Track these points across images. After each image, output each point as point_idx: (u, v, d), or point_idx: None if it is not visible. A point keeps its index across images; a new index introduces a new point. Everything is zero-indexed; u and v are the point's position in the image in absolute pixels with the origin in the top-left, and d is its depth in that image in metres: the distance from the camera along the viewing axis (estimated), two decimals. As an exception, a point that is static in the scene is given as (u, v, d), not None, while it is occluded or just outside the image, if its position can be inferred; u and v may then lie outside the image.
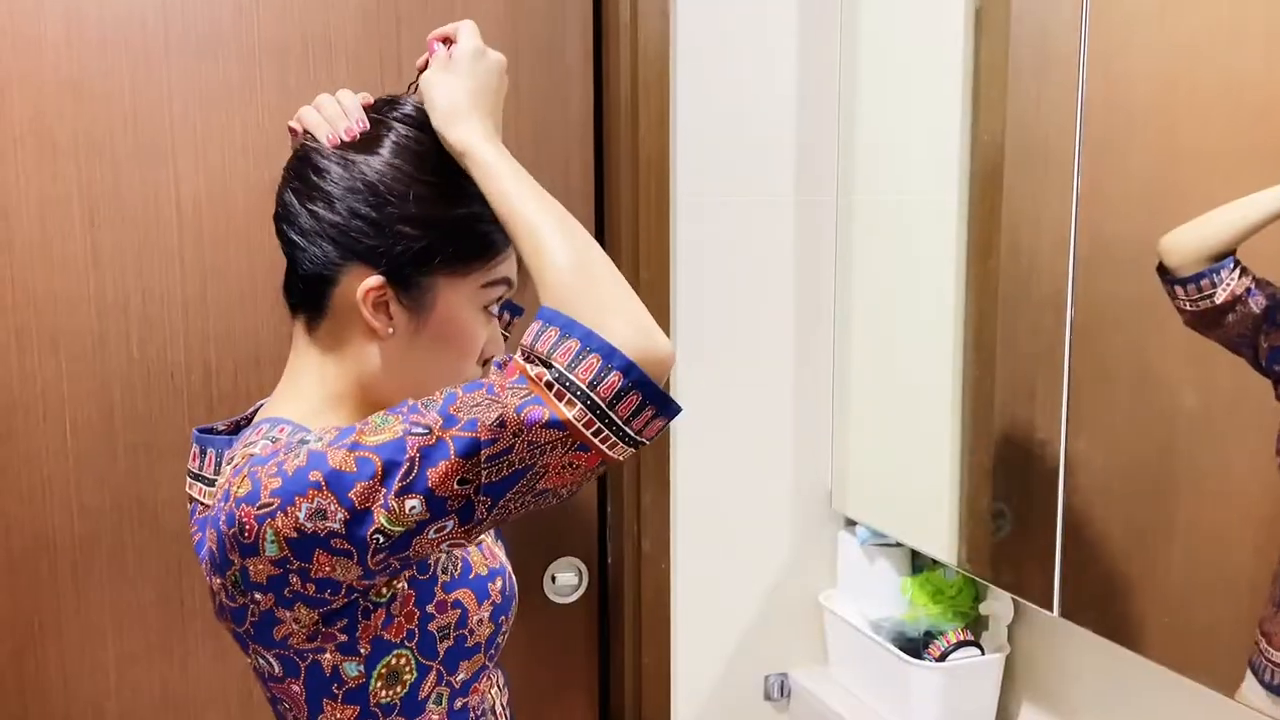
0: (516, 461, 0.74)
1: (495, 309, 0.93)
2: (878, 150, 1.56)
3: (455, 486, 0.75)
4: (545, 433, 0.74)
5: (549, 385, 0.74)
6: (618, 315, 0.76)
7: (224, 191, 1.37)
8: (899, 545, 1.62)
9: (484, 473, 0.74)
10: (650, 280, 1.51)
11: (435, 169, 0.87)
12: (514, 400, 0.74)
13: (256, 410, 0.99)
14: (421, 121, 0.89)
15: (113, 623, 1.38)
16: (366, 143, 0.88)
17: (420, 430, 0.75)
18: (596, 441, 0.75)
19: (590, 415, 0.74)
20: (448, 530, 0.77)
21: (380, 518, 0.75)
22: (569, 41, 1.51)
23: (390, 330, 0.87)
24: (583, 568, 1.62)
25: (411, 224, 0.86)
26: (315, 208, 0.87)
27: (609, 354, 0.74)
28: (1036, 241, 1.31)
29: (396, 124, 0.89)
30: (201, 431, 0.97)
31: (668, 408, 0.77)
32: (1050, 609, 1.28)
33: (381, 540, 0.76)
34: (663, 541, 1.58)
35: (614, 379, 0.74)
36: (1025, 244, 1.34)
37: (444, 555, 0.90)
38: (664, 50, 1.48)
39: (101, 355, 1.33)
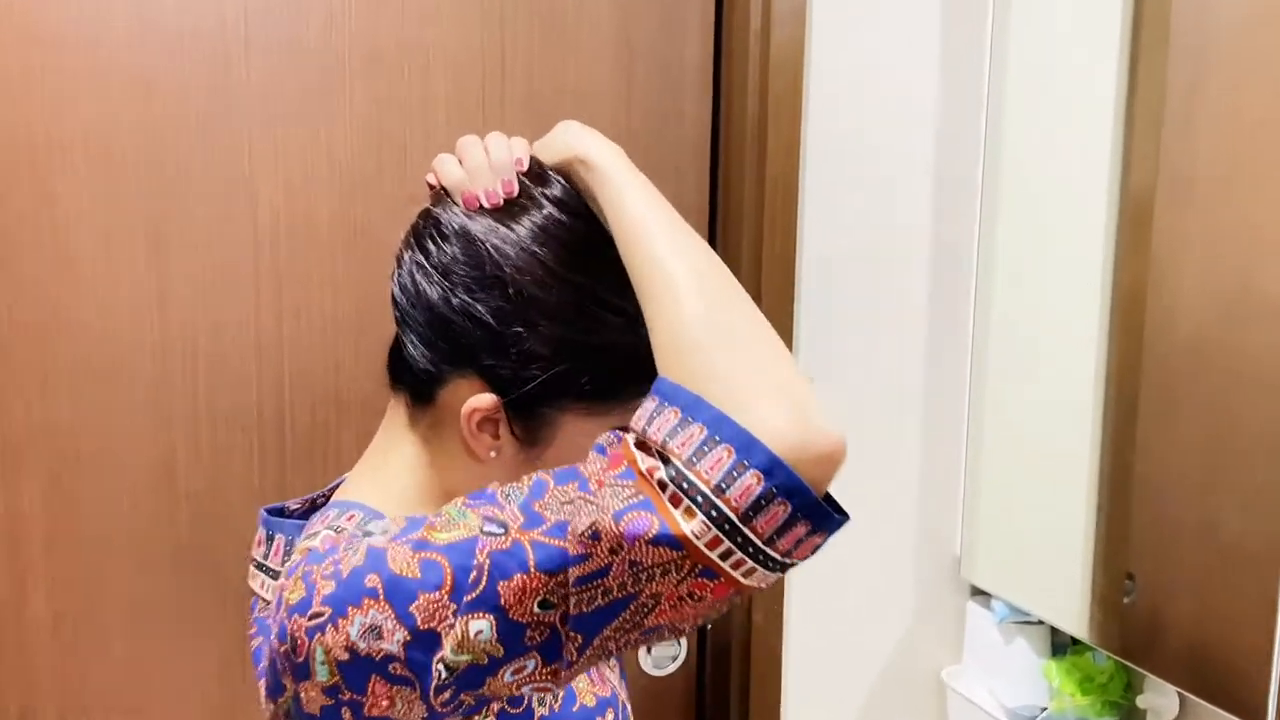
0: (615, 587, 0.57)
1: None
2: (1023, 186, 1.39)
3: (535, 610, 0.58)
4: (654, 551, 0.56)
5: (662, 485, 0.57)
6: (763, 393, 0.58)
7: (307, 216, 1.21)
8: (1040, 623, 1.44)
9: (572, 599, 0.58)
10: (768, 316, 1.34)
11: (584, 268, 0.71)
12: (614, 503, 0.57)
13: (336, 488, 0.84)
14: (577, 207, 0.72)
15: (168, 695, 1.22)
16: (506, 215, 0.72)
17: (495, 529, 0.59)
18: (725, 566, 0.57)
19: (716, 531, 0.56)
20: (528, 671, 0.60)
21: (447, 644, 0.59)
22: (687, 47, 1.35)
23: (492, 455, 0.73)
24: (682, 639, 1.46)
25: (545, 344, 0.70)
26: (431, 291, 0.72)
27: (746, 446, 0.56)
28: (1185, 291, 1.18)
29: (547, 203, 0.72)
30: (270, 513, 0.82)
31: (828, 522, 0.58)
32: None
33: (445, 674, 0.60)
34: (775, 613, 1.42)
35: (751, 482, 0.55)
36: (1174, 294, 1.20)
37: None
38: (797, 61, 1.31)
39: (164, 397, 1.18)
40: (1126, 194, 1.29)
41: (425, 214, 0.76)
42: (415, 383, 0.75)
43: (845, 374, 1.43)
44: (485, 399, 0.70)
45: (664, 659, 1.45)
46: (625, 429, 0.61)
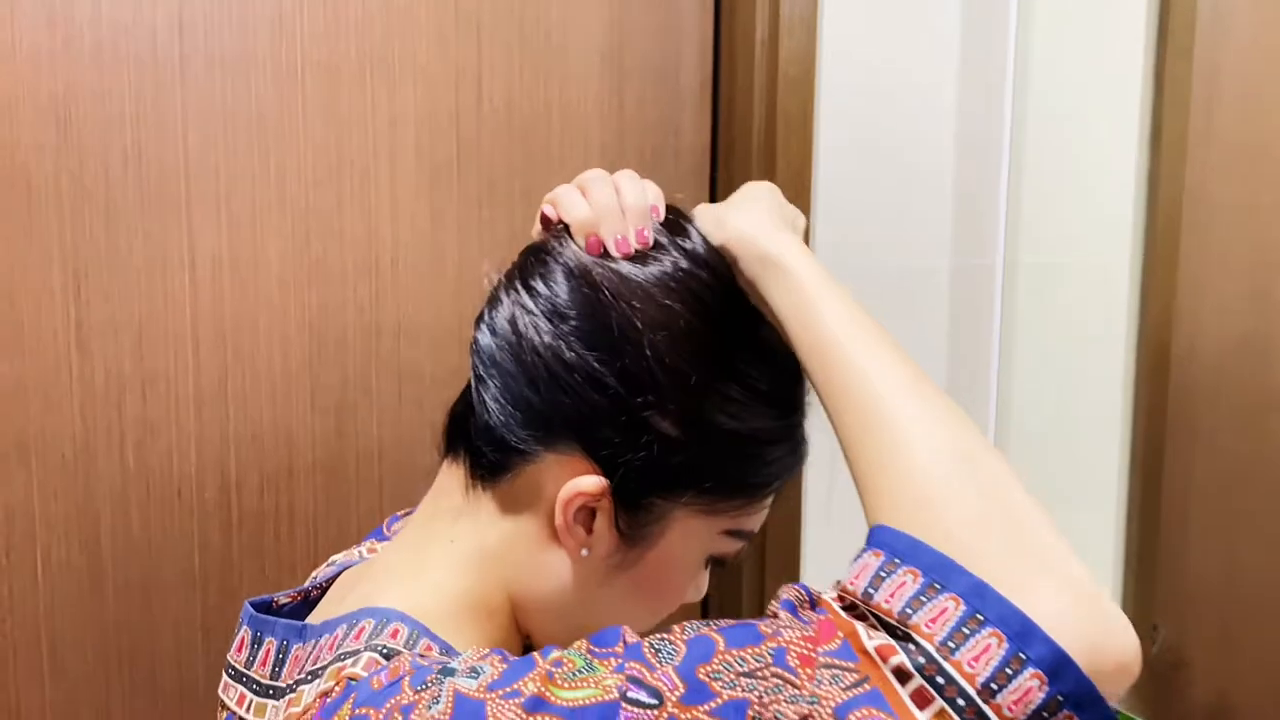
0: None
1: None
2: (1046, 208, 1.29)
3: None
4: None
5: (902, 675, 0.42)
6: (1035, 568, 0.44)
7: (254, 254, 1.04)
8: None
9: None
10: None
11: (724, 335, 0.60)
12: (832, 692, 0.42)
13: (337, 575, 0.68)
14: (717, 267, 0.61)
15: (94, 815, 1.04)
16: (637, 265, 0.61)
17: (643, 697, 0.45)
18: None
19: None
20: None
21: None
22: (684, 60, 1.20)
23: (585, 552, 0.59)
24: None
25: (674, 421, 0.58)
26: (538, 341, 0.59)
27: (1022, 633, 0.42)
28: (1205, 320, 1.12)
29: (684, 258, 0.61)
30: (258, 608, 0.66)
31: None
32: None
33: None
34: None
35: (1031, 684, 0.41)
36: (1195, 324, 1.14)
37: None
38: (809, 77, 1.18)
39: (86, 466, 1.01)
40: (1152, 218, 1.20)
41: (535, 251, 0.63)
42: (489, 451, 0.60)
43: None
44: (591, 482, 0.57)
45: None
46: (837, 590, 0.47)
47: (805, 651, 0.44)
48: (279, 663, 0.62)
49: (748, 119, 1.19)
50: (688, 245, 0.62)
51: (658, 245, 0.61)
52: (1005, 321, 1.34)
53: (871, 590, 0.45)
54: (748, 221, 0.60)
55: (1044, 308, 1.31)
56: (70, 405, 1.00)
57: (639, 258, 0.61)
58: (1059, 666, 0.42)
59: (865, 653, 0.43)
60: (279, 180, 1.05)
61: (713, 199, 1.25)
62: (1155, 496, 1.22)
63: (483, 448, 0.61)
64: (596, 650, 0.48)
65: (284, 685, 0.60)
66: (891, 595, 0.44)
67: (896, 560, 0.45)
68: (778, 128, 1.17)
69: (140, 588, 1.03)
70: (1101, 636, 0.43)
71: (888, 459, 0.49)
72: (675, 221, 0.63)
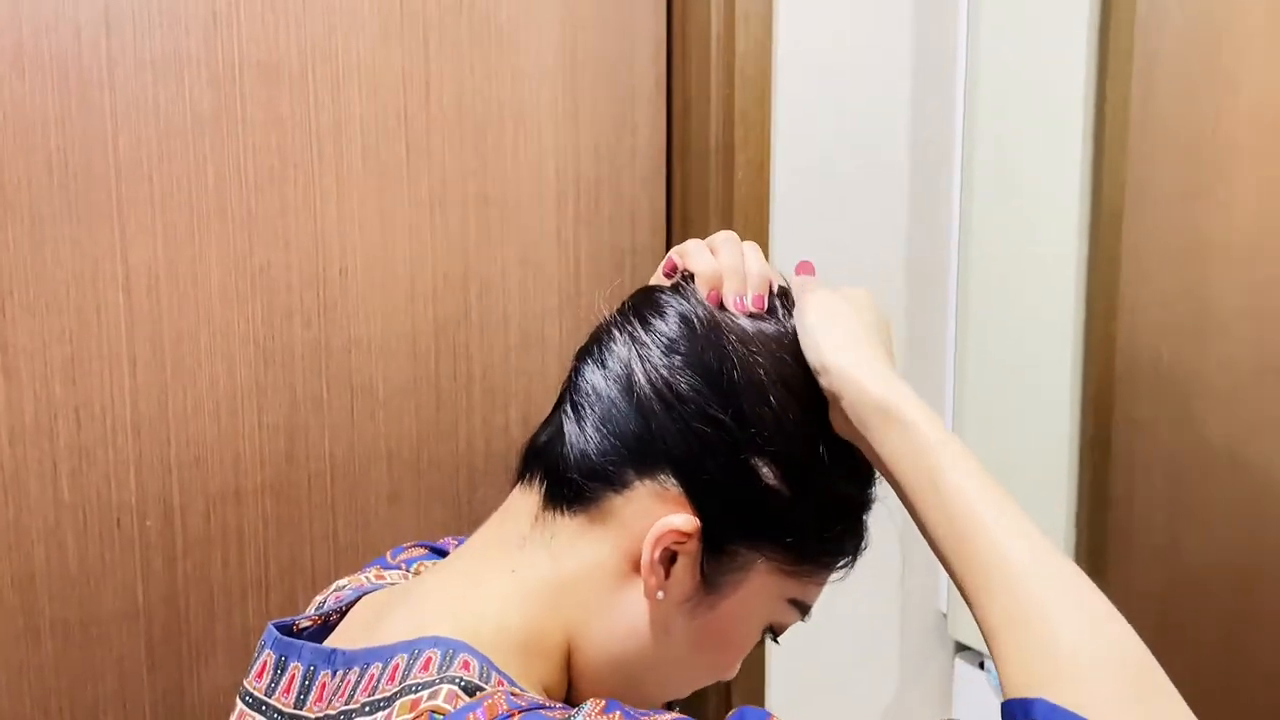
0: None
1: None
2: (999, 204, 1.29)
3: None
4: None
5: None
6: None
7: (193, 266, 0.98)
8: (1038, 681, 1.32)
9: None
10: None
11: (819, 416, 0.61)
12: None
13: (354, 600, 0.66)
14: (795, 348, 0.62)
15: None
16: (756, 323, 0.64)
17: None
18: None
19: None
20: None
21: None
22: (638, 56, 1.17)
23: (660, 595, 0.58)
24: None
25: (775, 469, 0.59)
26: (653, 375, 0.59)
27: None
28: (1146, 307, 1.16)
29: (792, 323, 0.64)
30: (282, 630, 0.63)
31: None
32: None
33: None
34: (757, 697, 1.25)
35: None
36: (1136, 311, 1.18)
37: None
38: (764, 73, 1.15)
39: (17, 498, 0.94)
40: (1096, 210, 1.22)
41: (653, 291, 0.65)
42: (576, 476, 0.60)
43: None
44: (684, 520, 0.57)
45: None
46: None
47: None
48: (304, 690, 0.59)
49: (704, 116, 1.16)
50: (795, 319, 0.64)
51: (771, 309, 0.64)
52: (960, 312, 1.34)
53: None
54: (852, 361, 0.59)
55: (996, 299, 1.32)
56: (-5, 433, 0.93)
57: (755, 318, 0.63)
58: None
59: None
60: (217, 186, 0.99)
61: (669, 197, 1.22)
62: (1103, 480, 1.24)
63: (567, 474, 0.60)
64: None
65: (311, 717, 0.57)
66: None
67: None
68: (735, 124, 1.14)
69: (79, 624, 0.97)
70: None
71: (1034, 646, 0.49)
72: (786, 293, 0.66)
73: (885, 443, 0.58)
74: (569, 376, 0.63)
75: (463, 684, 0.53)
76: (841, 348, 0.60)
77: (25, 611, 0.95)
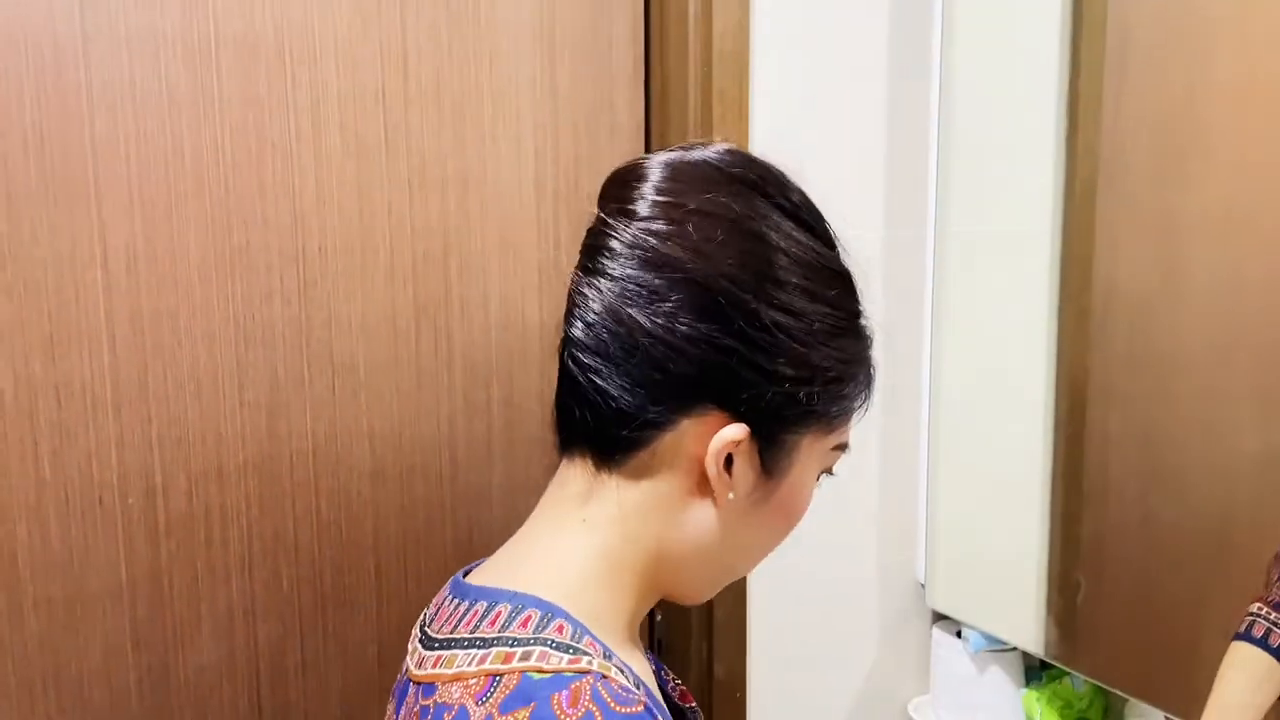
0: None
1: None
2: (975, 184, 1.30)
3: None
4: None
5: None
6: None
7: (171, 245, 0.98)
8: (1013, 650, 1.35)
9: None
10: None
11: (829, 281, 0.65)
12: None
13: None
14: (807, 217, 0.66)
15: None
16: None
17: None
18: None
19: None
20: None
21: None
22: (616, 33, 1.18)
23: (731, 495, 0.64)
24: (631, 696, 1.30)
25: (791, 363, 0.62)
26: (648, 326, 0.61)
27: None
28: (1121, 283, 1.19)
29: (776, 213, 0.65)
30: (464, 575, 0.69)
31: None
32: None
33: None
34: (738, 667, 1.27)
35: None
36: (1111, 288, 1.20)
37: None
38: (743, 51, 1.16)
39: (-3, 478, 0.94)
40: (1070, 187, 1.24)
41: (594, 235, 0.64)
42: (624, 433, 0.63)
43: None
44: (736, 430, 0.62)
45: None
46: None
47: None
48: (436, 613, 0.66)
49: (682, 95, 1.17)
50: (775, 189, 0.65)
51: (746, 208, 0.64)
52: (936, 286, 1.36)
53: None
54: None
55: (972, 274, 1.33)
56: (-25, 413, 0.93)
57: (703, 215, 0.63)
58: None
59: None
60: (195, 164, 0.99)
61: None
62: (1078, 456, 1.26)
63: (612, 433, 0.63)
64: None
65: (434, 635, 0.64)
66: None
67: None
68: (713, 103, 1.15)
69: (63, 603, 0.97)
70: None
71: None
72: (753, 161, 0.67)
73: None
74: (564, 343, 0.65)
75: (554, 644, 0.59)
76: None
77: (8, 589, 0.95)
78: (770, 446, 0.64)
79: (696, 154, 0.65)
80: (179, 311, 0.99)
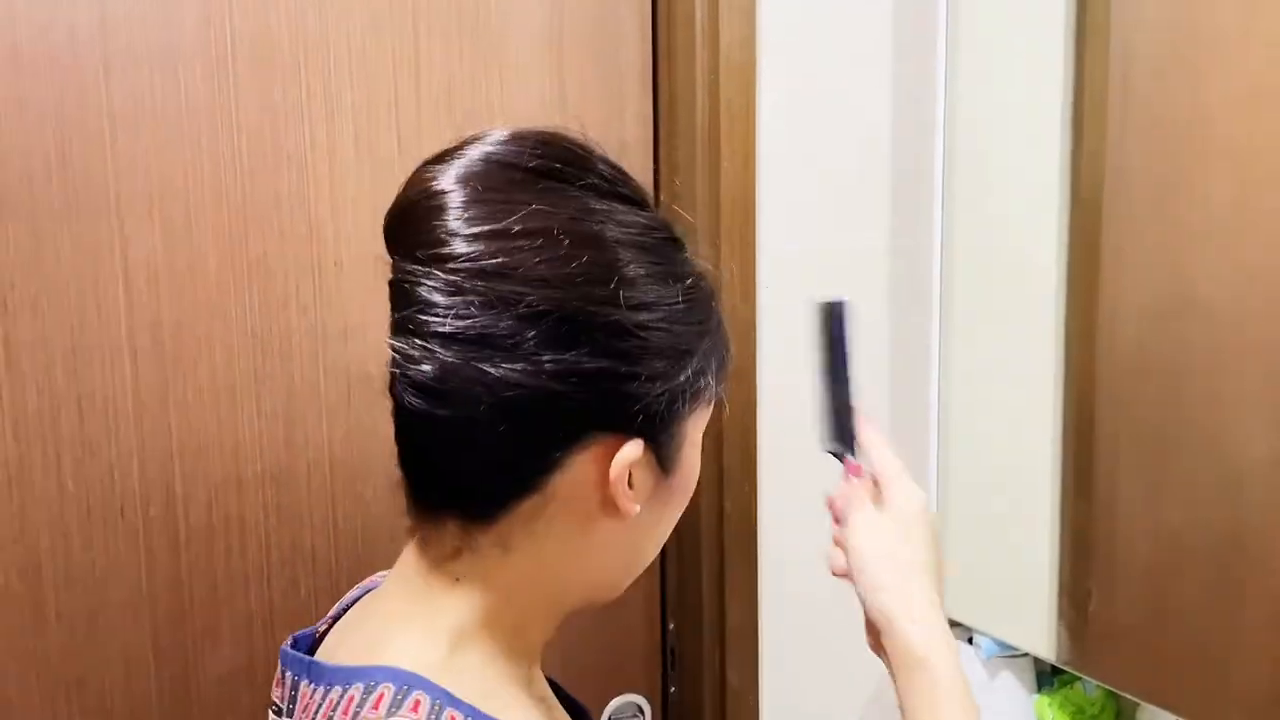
0: None
1: None
2: (982, 195, 1.31)
3: None
4: None
5: None
6: None
7: (190, 254, 1.00)
8: (1024, 655, 1.35)
9: None
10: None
11: (667, 254, 0.60)
12: None
13: (358, 598, 0.68)
14: (622, 188, 0.60)
15: None
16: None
17: None
18: None
19: None
20: None
21: None
22: (624, 44, 1.19)
23: (637, 508, 0.59)
24: (644, 704, 1.31)
25: (672, 355, 0.59)
26: (499, 375, 0.54)
27: None
28: (1127, 297, 1.18)
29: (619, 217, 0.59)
30: (294, 644, 0.65)
31: None
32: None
33: None
34: (750, 672, 1.28)
35: None
36: (1118, 301, 1.20)
37: None
38: (750, 63, 1.17)
39: (21, 490, 0.95)
40: (1077, 196, 1.24)
41: (396, 286, 0.56)
42: (500, 486, 0.58)
43: (807, 407, 1.30)
44: (633, 449, 0.57)
45: (627, 729, 1.30)
46: None
47: None
48: (291, 700, 0.61)
49: (690, 106, 1.18)
50: (592, 179, 0.60)
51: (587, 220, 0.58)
52: (944, 297, 1.36)
53: None
54: (900, 611, 0.70)
55: (980, 284, 1.34)
56: (1, 426, 0.94)
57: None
58: None
59: None
60: (213, 176, 1.00)
61: (656, 187, 1.24)
62: (1088, 464, 1.26)
63: (484, 495, 0.58)
64: None
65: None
66: None
67: None
68: (721, 114, 1.16)
69: (85, 613, 0.98)
70: None
71: None
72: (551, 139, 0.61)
73: (910, 691, 0.69)
74: (403, 409, 0.57)
75: None
76: (886, 588, 0.70)
77: (32, 601, 0.96)
78: (664, 446, 0.60)
79: (478, 155, 0.57)
80: (197, 323, 1.01)
